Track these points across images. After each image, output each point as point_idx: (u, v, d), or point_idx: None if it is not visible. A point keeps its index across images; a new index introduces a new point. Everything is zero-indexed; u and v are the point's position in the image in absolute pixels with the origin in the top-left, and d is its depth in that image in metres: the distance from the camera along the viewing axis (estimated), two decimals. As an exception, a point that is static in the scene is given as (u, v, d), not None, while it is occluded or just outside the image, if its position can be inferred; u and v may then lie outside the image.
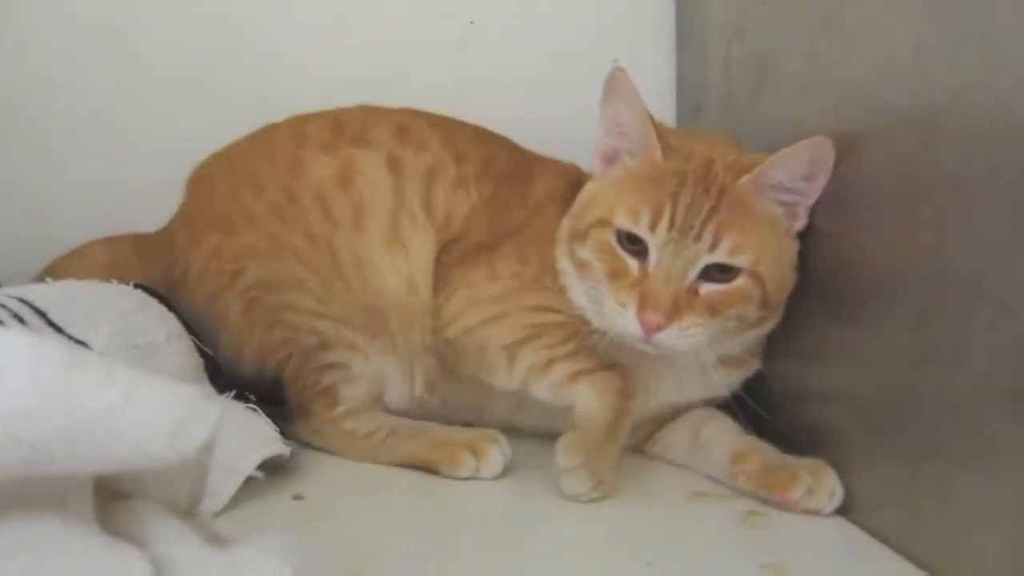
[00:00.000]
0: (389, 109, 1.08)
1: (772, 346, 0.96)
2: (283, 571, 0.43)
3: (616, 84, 0.90)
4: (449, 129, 1.08)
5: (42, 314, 0.78)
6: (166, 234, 1.09)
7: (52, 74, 1.31)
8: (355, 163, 1.01)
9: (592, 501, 0.85)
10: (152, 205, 1.11)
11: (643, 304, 0.83)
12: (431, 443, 0.94)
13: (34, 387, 0.39)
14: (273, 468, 0.85)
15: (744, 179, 0.86)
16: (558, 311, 0.93)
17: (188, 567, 0.42)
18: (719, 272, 0.84)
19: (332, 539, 0.75)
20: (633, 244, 0.86)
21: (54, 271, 1.05)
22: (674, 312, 0.82)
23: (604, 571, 0.75)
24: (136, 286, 0.94)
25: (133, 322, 0.85)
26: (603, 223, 0.88)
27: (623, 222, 0.86)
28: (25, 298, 0.79)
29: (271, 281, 1.00)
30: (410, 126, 1.05)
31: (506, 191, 1.04)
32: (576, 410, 0.88)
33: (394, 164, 1.02)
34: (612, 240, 0.87)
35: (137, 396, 0.41)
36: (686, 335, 0.83)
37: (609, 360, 0.90)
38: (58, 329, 0.78)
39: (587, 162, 1.11)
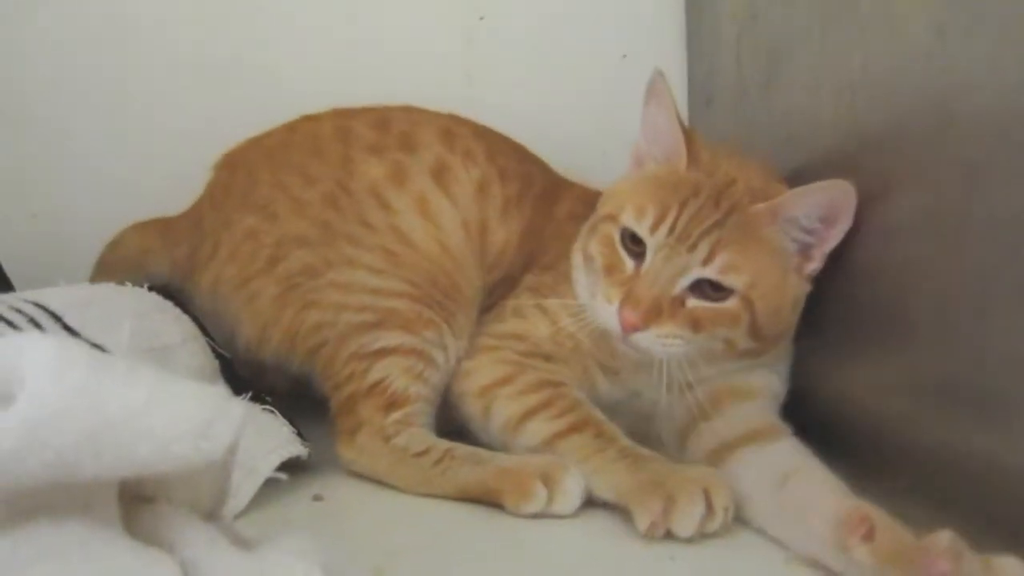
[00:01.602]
0: (433, 112, 1.08)
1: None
2: (313, 572, 0.42)
3: (654, 88, 0.91)
4: (490, 141, 1.08)
5: (58, 318, 0.78)
6: (191, 217, 1.08)
7: (60, 77, 1.30)
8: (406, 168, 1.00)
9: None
10: (163, 205, 1.11)
11: (625, 301, 0.83)
12: (496, 470, 0.83)
13: (59, 391, 0.39)
14: (292, 469, 0.85)
15: (759, 206, 0.84)
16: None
17: (218, 570, 0.42)
18: (711, 289, 0.83)
19: (352, 538, 0.75)
20: (635, 244, 0.86)
21: (102, 265, 1.07)
22: (653, 315, 0.82)
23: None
24: (151, 288, 0.93)
25: (148, 324, 0.85)
26: (611, 218, 0.89)
27: (628, 220, 0.86)
28: (40, 302, 0.79)
29: (318, 266, 0.95)
30: (455, 131, 1.06)
31: (539, 217, 1.05)
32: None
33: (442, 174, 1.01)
34: (616, 236, 0.88)
35: (162, 398, 0.41)
36: (663, 342, 0.82)
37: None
38: (74, 333, 0.77)
39: (599, 158, 1.11)
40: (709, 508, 0.73)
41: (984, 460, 0.68)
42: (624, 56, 1.35)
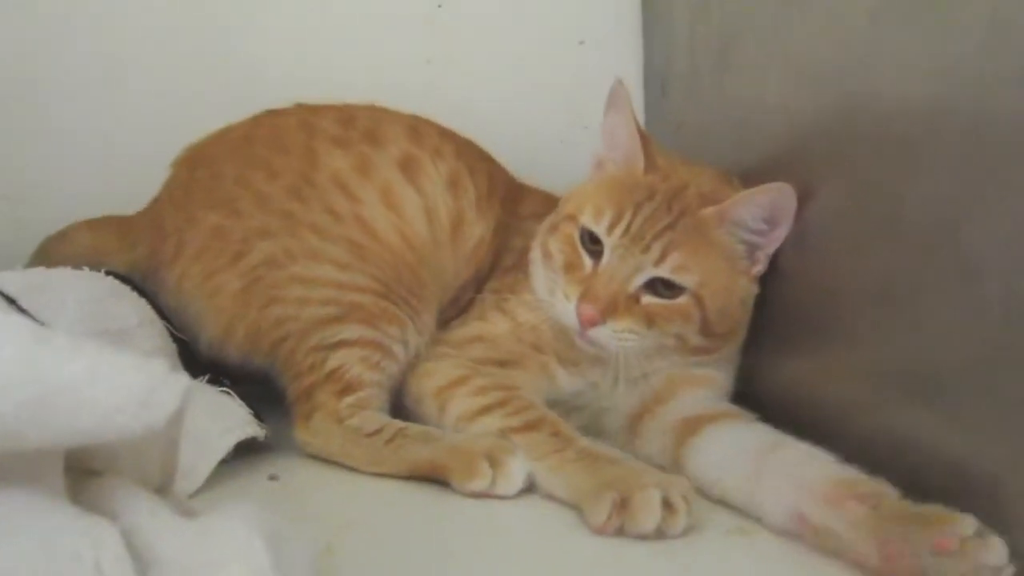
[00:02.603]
0: (398, 112, 1.08)
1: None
2: (253, 538, 0.43)
3: (614, 96, 0.95)
4: (456, 142, 1.09)
5: (12, 301, 0.79)
6: (150, 215, 1.06)
7: (29, 61, 1.29)
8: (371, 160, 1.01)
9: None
10: (133, 191, 1.08)
11: (583, 297, 0.86)
12: (446, 447, 0.84)
13: (-1, 362, 0.40)
14: (249, 451, 0.86)
15: (708, 209, 0.88)
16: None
17: (159, 536, 0.43)
18: (664, 287, 0.87)
19: (306, 517, 0.76)
20: (594, 244, 0.90)
21: (44, 254, 1.05)
22: (610, 310, 0.85)
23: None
24: (108, 273, 0.94)
25: (104, 308, 0.86)
26: (571, 218, 0.93)
27: (587, 220, 0.90)
28: (-5, 285, 0.79)
29: (280, 257, 0.95)
30: (421, 130, 1.06)
31: (506, 215, 1.07)
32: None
33: (410, 165, 1.02)
34: (576, 236, 0.92)
35: (103, 368, 0.41)
36: (619, 337, 0.86)
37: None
38: (27, 316, 0.78)
39: (556, 144, 1.13)
40: (667, 506, 0.71)
41: (924, 440, 0.70)
42: (582, 42, 1.36)
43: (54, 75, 1.30)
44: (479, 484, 0.79)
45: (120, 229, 1.06)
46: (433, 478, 0.83)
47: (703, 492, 0.80)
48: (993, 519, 0.61)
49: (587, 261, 0.90)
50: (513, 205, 1.09)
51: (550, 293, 0.93)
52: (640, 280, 0.87)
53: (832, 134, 0.83)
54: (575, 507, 0.76)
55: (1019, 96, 0.60)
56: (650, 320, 0.87)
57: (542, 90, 1.36)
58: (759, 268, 0.91)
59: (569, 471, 0.79)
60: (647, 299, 0.87)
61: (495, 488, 0.79)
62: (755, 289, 0.92)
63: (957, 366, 0.66)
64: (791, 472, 0.72)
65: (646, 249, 0.87)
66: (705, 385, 0.93)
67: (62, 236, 1.07)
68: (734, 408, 0.90)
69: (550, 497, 0.80)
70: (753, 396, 0.92)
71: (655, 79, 1.31)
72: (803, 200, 0.86)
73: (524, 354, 0.95)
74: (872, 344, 0.77)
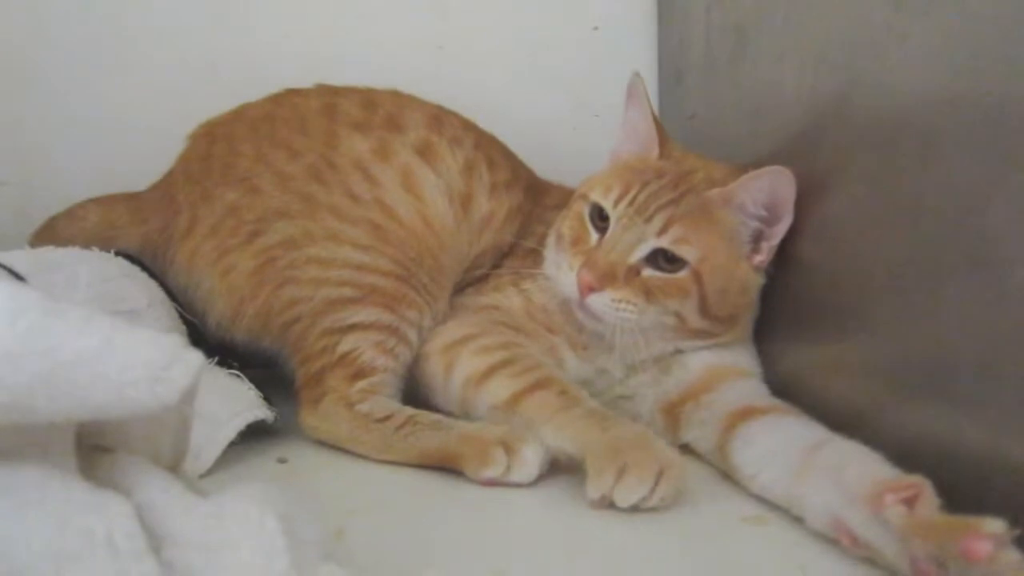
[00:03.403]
0: (421, 100, 1.08)
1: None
2: (266, 516, 0.43)
3: (632, 89, 0.98)
4: (479, 134, 1.09)
5: (23, 281, 0.78)
6: (162, 188, 1.05)
7: (28, 45, 1.29)
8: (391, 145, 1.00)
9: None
10: (133, 176, 1.08)
11: (583, 265, 0.88)
12: (458, 435, 0.83)
13: (13, 333, 0.39)
14: (258, 434, 0.86)
15: (713, 191, 0.90)
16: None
17: (172, 513, 0.43)
18: (665, 261, 0.88)
19: (316, 500, 0.75)
20: (602, 221, 0.92)
21: (50, 232, 1.03)
22: (609, 279, 0.86)
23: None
24: (118, 253, 0.93)
25: (114, 288, 0.85)
26: (583, 196, 0.95)
27: (597, 195, 0.92)
28: (5, 263, 0.79)
29: (298, 238, 0.93)
30: (443, 119, 1.06)
31: (528, 203, 1.08)
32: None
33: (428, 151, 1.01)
34: (585, 212, 0.94)
35: (117, 342, 0.41)
36: (616, 307, 0.86)
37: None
38: (39, 295, 0.78)
39: (569, 131, 1.12)
40: (655, 485, 0.72)
41: (943, 432, 0.69)
42: (595, 28, 1.35)
43: (51, 63, 1.30)
44: (493, 471, 0.78)
45: (131, 204, 1.05)
46: (445, 467, 0.82)
47: (744, 485, 0.79)
48: (1017, 512, 0.60)
49: (593, 236, 0.92)
50: (539, 197, 1.10)
51: (557, 268, 0.93)
52: (642, 252, 0.88)
53: (849, 122, 0.83)
54: (581, 462, 0.76)
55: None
56: (649, 293, 0.87)
57: (554, 76, 1.35)
58: (761, 258, 0.91)
59: (579, 427, 0.78)
60: (647, 272, 0.88)
61: (510, 475, 0.78)
62: (760, 280, 0.92)
63: (978, 355, 0.65)
64: (833, 471, 0.68)
65: (649, 220, 0.88)
66: (745, 375, 0.92)
67: (70, 214, 1.06)
68: (783, 403, 0.86)
69: (560, 452, 0.79)
70: (770, 386, 0.92)
71: (670, 67, 1.30)
72: (820, 188, 0.86)
73: (535, 331, 0.95)
74: (890, 333, 0.76)
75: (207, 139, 1.03)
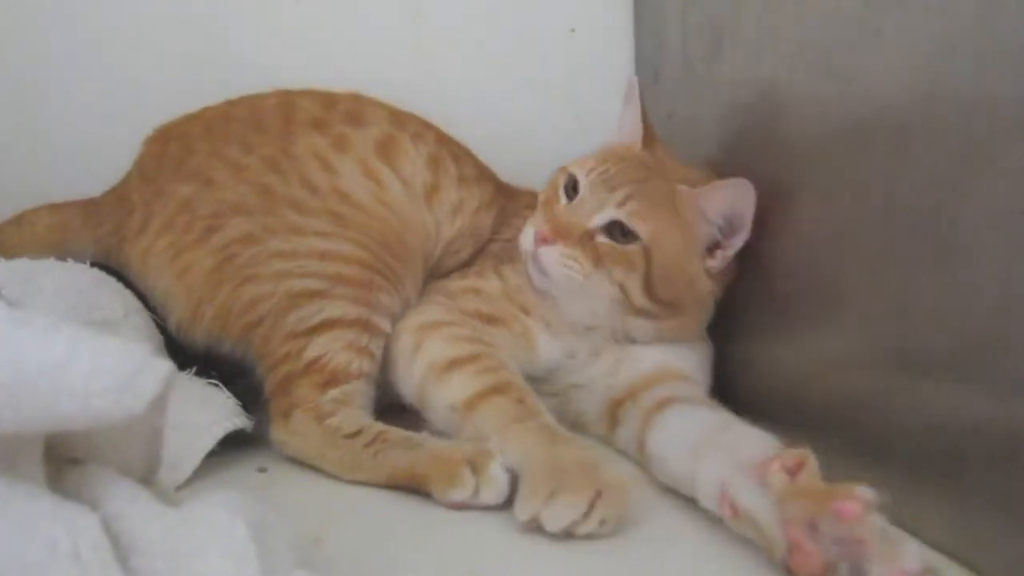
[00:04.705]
0: (381, 101, 1.07)
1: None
2: (236, 523, 0.42)
3: (628, 93, 1.01)
4: (440, 134, 1.09)
5: (-5, 292, 0.77)
6: (116, 193, 1.02)
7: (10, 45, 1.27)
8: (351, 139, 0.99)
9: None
10: (94, 174, 1.05)
11: (544, 222, 0.92)
12: (427, 455, 0.78)
13: (-25, 344, 0.39)
14: (238, 443, 0.85)
15: (682, 186, 0.92)
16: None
17: (140, 523, 0.42)
18: (620, 234, 0.90)
19: (294, 509, 0.74)
20: (575, 192, 0.95)
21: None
22: (563, 235, 0.90)
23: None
24: (92, 264, 0.92)
25: (88, 298, 0.85)
26: (563, 170, 0.98)
27: (574, 167, 0.96)
28: (-27, 275, 0.78)
29: (257, 233, 0.90)
30: (404, 118, 1.06)
31: (502, 197, 1.11)
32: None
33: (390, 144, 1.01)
34: (561, 182, 0.96)
35: (83, 352, 0.40)
36: (564, 263, 0.90)
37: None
38: (12, 306, 0.77)
39: (547, 132, 1.11)
40: (588, 510, 0.68)
41: (917, 427, 0.69)
42: (572, 31, 1.35)
43: (9, 61, 1.27)
44: (461, 493, 0.74)
45: (85, 209, 1.01)
46: (413, 489, 0.78)
47: (655, 473, 0.80)
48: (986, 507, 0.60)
49: (563, 200, 0.95)
50: (512, 196, 1.12)
51: (524, 235, 0.95)
52: (600, 219, 0.90)
53: (824, 119, 0.83)
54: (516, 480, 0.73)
55: (1013, 76, 0.60)
56: (597, 259, 0.90)
57: (533, 79, 1.35)
58: (714, 263, 0.93)
59: (527, 441, 0.75)
60: (601, 239, 0.90)
61: (479, 497, 0.74)
62: (711, 284, 0.94)
63: (951, 351, 0.65)
64: (730, 447, 0.70)
65: (612, 190, 0.91)
66: (686, 380, 0.93)
67: (18, 220, 1.01)
68: (705, 397, 0.90)
69: (506, 466, 0.75)
70: (743, 388, 0.93)
71: (647, 67, 1.30)
72: (795, 185, 0.86)
73: (512, 315, 0.96)
74: (864, 331, 0.76)
75: (162, 141, 1.01)
